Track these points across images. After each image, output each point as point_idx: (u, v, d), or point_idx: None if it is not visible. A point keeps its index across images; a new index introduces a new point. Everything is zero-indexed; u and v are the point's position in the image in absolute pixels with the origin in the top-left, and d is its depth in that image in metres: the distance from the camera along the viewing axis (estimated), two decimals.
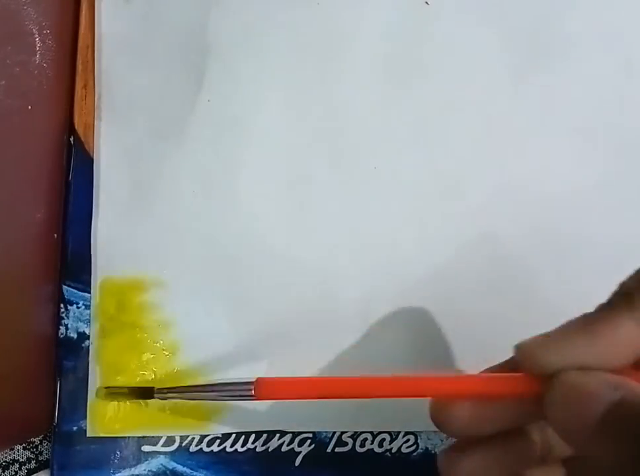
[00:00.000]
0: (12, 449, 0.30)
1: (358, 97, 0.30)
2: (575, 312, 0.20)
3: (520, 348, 0.20)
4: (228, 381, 0.25)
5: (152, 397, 0.27)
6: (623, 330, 0.19)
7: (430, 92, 0.30)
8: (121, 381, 0.28)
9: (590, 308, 0.21)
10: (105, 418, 0.28)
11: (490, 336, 0.29)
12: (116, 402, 0.28)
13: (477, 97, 0.30)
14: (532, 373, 0.20)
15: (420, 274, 0.30)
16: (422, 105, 0.30)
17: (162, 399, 0.27)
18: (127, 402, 0.28)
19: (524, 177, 0.30)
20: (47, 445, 0.30)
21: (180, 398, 0.27)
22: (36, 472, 0.29)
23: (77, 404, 0.28)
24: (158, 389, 0.27)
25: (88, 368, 0.29)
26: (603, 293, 0.29)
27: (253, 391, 0.23)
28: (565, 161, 0.30)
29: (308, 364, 0.29)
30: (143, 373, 0.29)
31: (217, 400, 0.26)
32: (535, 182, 0.30)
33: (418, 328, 0.29)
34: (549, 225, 0.30)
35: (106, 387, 0.28)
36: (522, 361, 0.20)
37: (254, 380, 0.24)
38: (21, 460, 0.30)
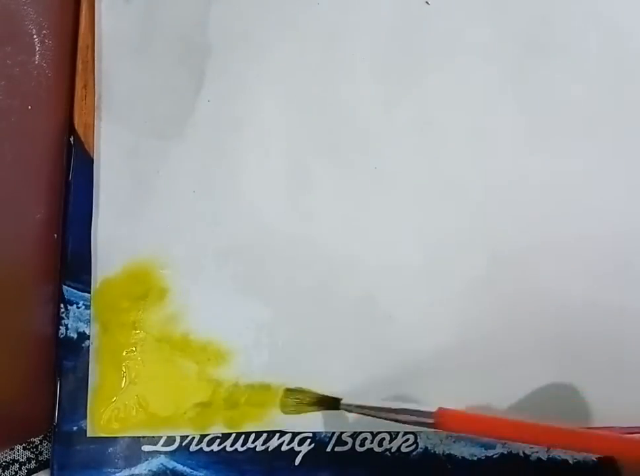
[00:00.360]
0: (12, 449, 0.30)
1: (358, 97, 0.30)
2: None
3: None
4: (410, 408, 0.26)
5: (337, 408, 0.28)
6: None
7: (430, 92, 0.30)
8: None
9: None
10: (105, 418, 0.28)
11: (487, 334, 0.29)
12: (115, 402, 0.28)
13: (477, 96, 0.30)
14: None
15: (420, 273, 0.30)
16: (422, 105, 0.30)
17: (347, 411, 0.28)
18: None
19: (525, 176, 0.30)
20: (47, 445, 0.30)
21: (364, 414, 0.27)
22: (36, 472, 0.30)
23: (77, 404, 0.29)
24: (344, 403, 0.28)
25: (88, 368, 0.29)
26: (603, 293, 0.30)
27: (433, 421, 0.24)
28: (566, 159, 0.30)
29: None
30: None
31: (398, 422, 0.26)
32: (536, 180, 0.30)
33: (418, 325, 0.29)
34: (550, 224, 0.30)
35: (287, 389, 0.29)
36: None
37: (434, 410, 0.24)
38: (21, 460, 0.30)
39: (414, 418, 0.25)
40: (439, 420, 0.24)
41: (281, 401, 0.29)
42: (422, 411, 0.25)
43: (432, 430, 0.26)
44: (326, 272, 0.30)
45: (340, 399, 0.28)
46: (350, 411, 0.28)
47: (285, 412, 0.29)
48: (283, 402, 0.29)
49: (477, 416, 0.24)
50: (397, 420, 0.26)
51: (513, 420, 0.23)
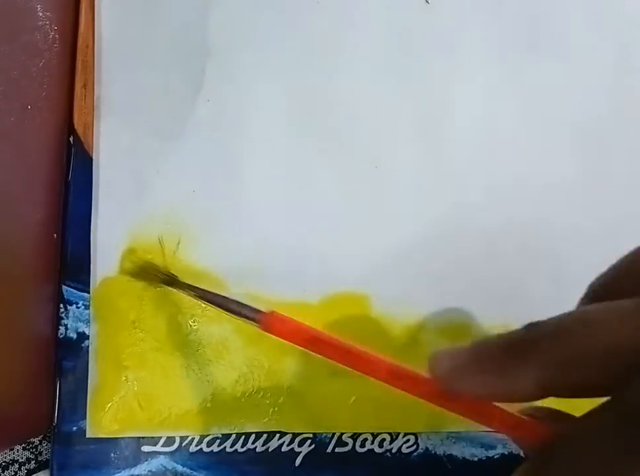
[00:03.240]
0: (12, 449, 0.29)
1: (359, 96, 0.30)
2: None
3: (433, 362, 0.20)
4: (242, 302, 0.25)
5: (172, 285, 0.27)
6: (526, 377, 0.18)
7: (430, 91, 0.30)
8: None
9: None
10: (105, 419, 0.28)
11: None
12: (115, 403, 0.28)
13: (477, 95, 0.30)
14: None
15: (420, 272, 0.30)
16: (422, 103, 0.30)
17: (179, 290, 0.27)
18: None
19: (524, 173, 0.30)
20: (46, 445, 0.30)
21: (195, 296, 0.27)
22: (36, 472, 0.29)
23: (76, 404, 0.28)
24: (182, 281, 0.27)
25: (88, 368, 0.29)
26: None
27: (261, 320, 0.23)
28: (565, 158, 0.30)
29: None
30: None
31: (225, 312, 0.26)
32: (537, 180, 0.30)
33: (415, 325, 0.29)
34: (549, 222, 0.30)
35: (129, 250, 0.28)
36: (433, 376, 0.20)
37: (268, 312, 0.23)
38: (21, 460, 0.30)
39: (242, 311, 0.24)
40: (267, 321, 0.23)
41: (123, 261, 0.28)
42: (253, 308, 0.24)
43: (262, 332, 0.24)
44: (326, 270, 0.30)
45: (177, 277, 0.28)
46: (182, 290, 0.27)
47: (123, 272, 0.28)
48: (126, 261, 0.28)
49: (308, 327, 0.23)
50: (224, 309, 0.25)
51: (343, 342, 0.22)
